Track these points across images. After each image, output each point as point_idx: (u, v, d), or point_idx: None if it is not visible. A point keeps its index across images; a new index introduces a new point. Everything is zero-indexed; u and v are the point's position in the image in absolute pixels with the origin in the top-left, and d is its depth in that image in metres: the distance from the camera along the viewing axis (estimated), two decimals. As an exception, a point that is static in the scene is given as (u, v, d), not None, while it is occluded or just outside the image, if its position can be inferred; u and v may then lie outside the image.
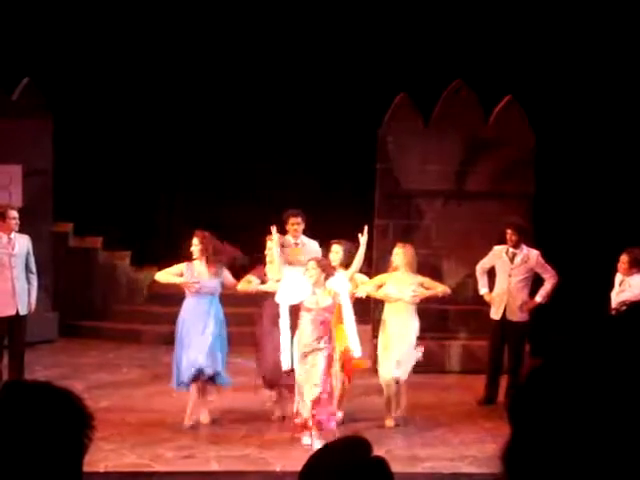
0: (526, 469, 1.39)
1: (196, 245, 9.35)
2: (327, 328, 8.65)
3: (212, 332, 9.20)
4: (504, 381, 10.29)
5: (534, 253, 10.40)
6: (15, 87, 12.92)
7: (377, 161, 12.18)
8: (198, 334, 9.15)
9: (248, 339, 10.95)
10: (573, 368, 1.37)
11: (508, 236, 10.39)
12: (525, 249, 10.40)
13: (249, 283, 9.39)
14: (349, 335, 8.77)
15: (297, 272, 8.92)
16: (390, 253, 9.81)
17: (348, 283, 9.00)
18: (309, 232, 10.46)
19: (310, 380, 8.55)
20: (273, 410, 9.50)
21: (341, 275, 8.99)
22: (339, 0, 13.99)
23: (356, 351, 8.81)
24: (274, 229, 9.31)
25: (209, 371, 9.17)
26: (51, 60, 13.79)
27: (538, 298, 10.39)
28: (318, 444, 8.09)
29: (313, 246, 10.43)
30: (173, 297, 9.72)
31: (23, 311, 10.26)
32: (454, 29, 13.50)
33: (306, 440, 8.54)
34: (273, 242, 9.26)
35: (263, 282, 9.39)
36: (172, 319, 9.73)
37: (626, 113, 12.82)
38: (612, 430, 1.32)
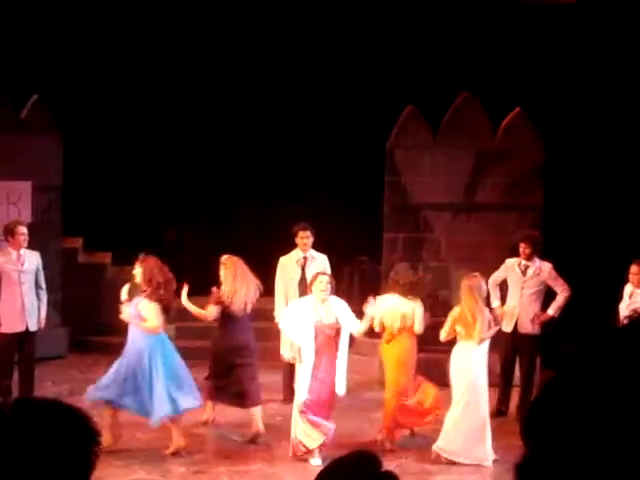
0: None
1: (137, 269, 8.61)
2: (333, 346, 8.53)
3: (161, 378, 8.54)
4: (515, 394, 10.25)
5: (547, 266, 10.31)
6: (24, 104, 12.95)
7: (386, 174, 12.16)
8: (154, 379, 8.54)
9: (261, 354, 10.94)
10: (588, 380, 1.36)
11: (522, 249, 10.28)
12: (538, 262, 10.31)
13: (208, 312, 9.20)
14: (338, 369, 8.50)
15: (300, 302, 8.91)
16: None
17: (358, 323, 8.74)
18: (318, 246, 10.47)
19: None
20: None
21: (343, 302, 8.79)
22: (347, 14, 14.01)
23: (340, 388, 8.53)
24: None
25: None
26: (60, 76, 13.81)
27: (550, 311, 10.30)
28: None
29: (322, 260, 10.43)
30: (179, 311, 9.68)
31: (33, 327, 10.25)
32: (462, 41, 13.50)
33: (315, 462, 8.39)
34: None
35: (219, 303, 9.11)
36: (180, 334, 9.72)
37: (636, 124, 12.79)
38: (630, 443, 1.31)
